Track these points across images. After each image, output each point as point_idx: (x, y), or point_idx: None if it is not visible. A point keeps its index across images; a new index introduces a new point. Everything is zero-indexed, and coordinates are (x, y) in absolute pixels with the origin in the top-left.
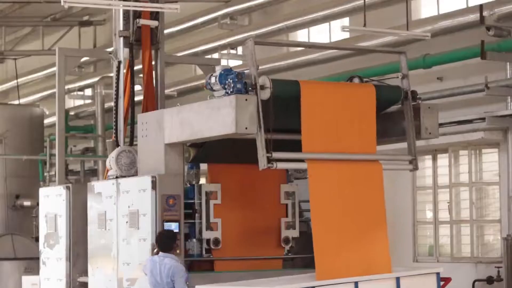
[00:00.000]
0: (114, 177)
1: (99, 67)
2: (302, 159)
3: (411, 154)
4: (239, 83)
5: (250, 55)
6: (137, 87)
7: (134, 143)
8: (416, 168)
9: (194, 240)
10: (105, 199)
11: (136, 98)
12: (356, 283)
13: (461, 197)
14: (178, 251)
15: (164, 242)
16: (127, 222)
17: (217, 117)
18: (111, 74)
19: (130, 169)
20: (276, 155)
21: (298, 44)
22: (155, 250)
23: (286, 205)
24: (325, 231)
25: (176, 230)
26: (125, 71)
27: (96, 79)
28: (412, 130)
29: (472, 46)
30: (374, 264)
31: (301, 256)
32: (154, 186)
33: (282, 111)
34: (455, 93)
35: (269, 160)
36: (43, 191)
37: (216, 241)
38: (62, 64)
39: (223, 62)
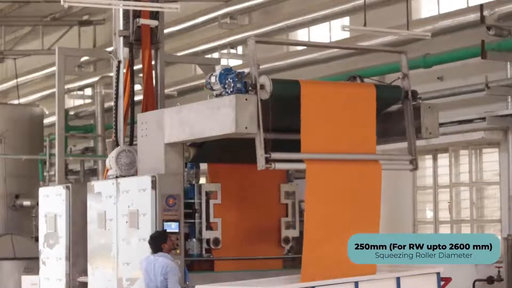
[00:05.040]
0: (114, 176)
1: (99, 67)
2: (301, 159)
3: (411, 154)
4: (239, 83)
5: (251, 54)
6: (137, 87)
7: (134, 142)
8: (416, 168)
9: (194, 240)
10: (105, 199)
11: (136, 98)
12: (356, 283)
13: (461, 197)
14: (176, 250)
15: (153, 243)
16: (127, 222)
17: (217, 117)
18: (111, 74)
19: (130, 169)
20: (274, 155)
21: (299, 43)
22: None
23: (286, 205)
24: (316, 234)
25: (176, 230)
26: (125, 70)
27: (96, 78)
28: (412, 130)
29: (472, 46)
30: (359, 268)
31: (301, 256)
32: (154, 186)
33: (282, 110)
34: (455, 93)
35: (268, 161)
36: (42, 191)
37: (216, 241)
38: (62, 63)
39: (223, 61)
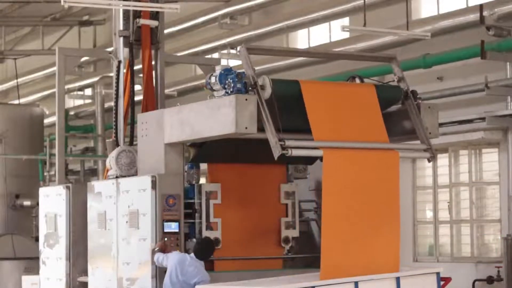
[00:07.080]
0: (114, 176)
1: (99, 67)
2: (317, 147)
3: (426, 144)
4: (239, 83)
5: (245, 62)
6: (137, 87)
7: (134, 143)
8: (433, 156)
9: (194, 240)
10: (105, 199)
11: (136, 98)
12: (356, 283)
13: (461, 197)
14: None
15: (206, 251)
16: (127, 222)
17: (217, 117)
18: (111, 74)
19: (130, 169)
20: (289, 142)
21: (290, 52)
22: (156, 249)
23: (286, 205)
24: (335, 228)
25: (176, 230)
26: (125, 71)
27: (96, 79)
28: (421, 125)
29: (472, 46)
30: (381, 264)
31: (301, 256)
32: (154, 186)
33: (283, 110)
34: (455, 93)
35: (283, 148)
36: (43, 191)
37: (216, 241)
38: (62, 64)
39: (223, 62)
